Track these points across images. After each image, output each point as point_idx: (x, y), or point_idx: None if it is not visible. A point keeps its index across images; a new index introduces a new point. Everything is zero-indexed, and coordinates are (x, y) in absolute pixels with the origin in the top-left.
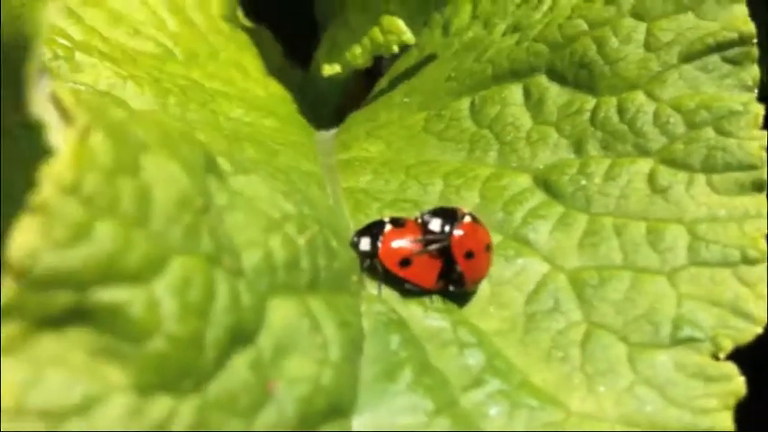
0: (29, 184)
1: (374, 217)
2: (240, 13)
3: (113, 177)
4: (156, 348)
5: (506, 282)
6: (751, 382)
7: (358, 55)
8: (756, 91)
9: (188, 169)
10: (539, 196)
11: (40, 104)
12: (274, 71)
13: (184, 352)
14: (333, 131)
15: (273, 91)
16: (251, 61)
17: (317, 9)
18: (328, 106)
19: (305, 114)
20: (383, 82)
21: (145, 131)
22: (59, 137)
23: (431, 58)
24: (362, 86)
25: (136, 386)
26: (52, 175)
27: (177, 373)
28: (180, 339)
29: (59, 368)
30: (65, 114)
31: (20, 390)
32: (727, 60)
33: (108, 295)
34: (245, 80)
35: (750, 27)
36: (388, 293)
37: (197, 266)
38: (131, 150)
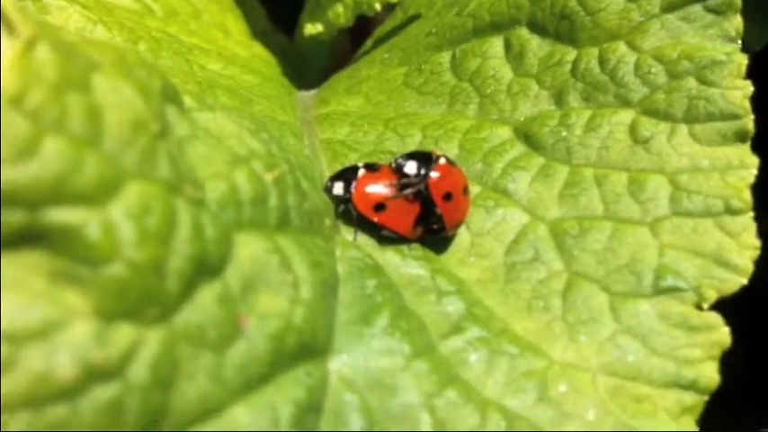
0: None
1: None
2: None
3: (61, 93)
4: (116, 274)
5: (486, 232)
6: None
7: (340, 13)
8: (739, 42)
9: (143, 93)
10: (519, 148)
11: None
12: (258, 34)
13: (146, 279)
14: (314, 91)
15: (256, 53)
16: (234, 23)
17: None
18: (314, 69)
19: (290, 77)
20: (368, 43)
21: (97, 52)
22: (2, 48)
23: (414, 17)
24: (349, 51)
25: (97, 312)
26: None
27: (140, 300)
28: (140, 265)
29: (17, 291)
30: (8, 26)
31: None
32: (709, 10)
33: (61, 215)
34: (226, 40)
35: None
36: (365, 240)
37: (155, 192)
38: (81, 68)
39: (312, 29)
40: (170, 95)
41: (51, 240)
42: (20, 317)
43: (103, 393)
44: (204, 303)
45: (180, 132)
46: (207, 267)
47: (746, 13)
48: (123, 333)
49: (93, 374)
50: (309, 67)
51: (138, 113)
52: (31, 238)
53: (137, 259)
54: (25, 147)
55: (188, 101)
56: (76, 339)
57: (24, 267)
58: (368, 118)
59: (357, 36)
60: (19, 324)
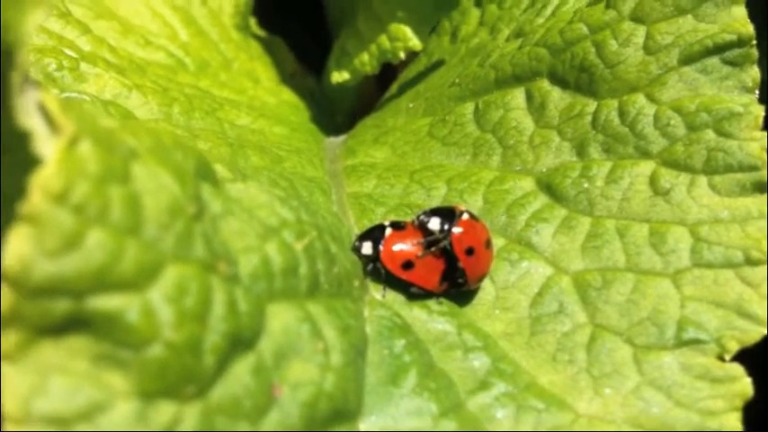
0: (22, 193)
1: (378, 221)
2: (253, 23)
3: (103, 185)
4: (156, 355)
5: (511, 285)
6: (758, 384)
7: (366, 62)
8: (757, 92)
9: (180, 176)
10: (542, 199)
11: (27, 114)
12: (286, 79)
13: (184, 358)
14: (342, 137)
15: (285, 98)
16: (263, 70)
17: (329, 18)
18: (341, 113)
19: (317, 121)
20: (393, 88)
21: (135, 139)
22: (47, 146)
23: (438, 64)
24: (376, 94)
25: (139, 392)
26: (41, 184)
27: (178, 378)
28: (178, 346)
29: (63, 375)
30: (52, 123)
31: (25, 397)
32: (726, 62)
33: (104, 302)
34: (255, 89)
35: (749, 28)
36: (392, 298)
37: (192, 273)
38: (120, 158)
39: (339, 77)
40: (204, 173)
41: (95, 326)
42: (66, 400)
43: None
44: (239, 376)
45: (214, 210)
46: (241, 341)
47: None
48: (163, 411)
49: None
50: (337, 110)
51: (175, 198)
52: (75, 324)
53: (175, 340)
54: (70, 240)
55: (221, 170)
56: (120, 419)
57: (69, 352)
58: (394, 170)
59: (383, 79)
60: (64, 407)
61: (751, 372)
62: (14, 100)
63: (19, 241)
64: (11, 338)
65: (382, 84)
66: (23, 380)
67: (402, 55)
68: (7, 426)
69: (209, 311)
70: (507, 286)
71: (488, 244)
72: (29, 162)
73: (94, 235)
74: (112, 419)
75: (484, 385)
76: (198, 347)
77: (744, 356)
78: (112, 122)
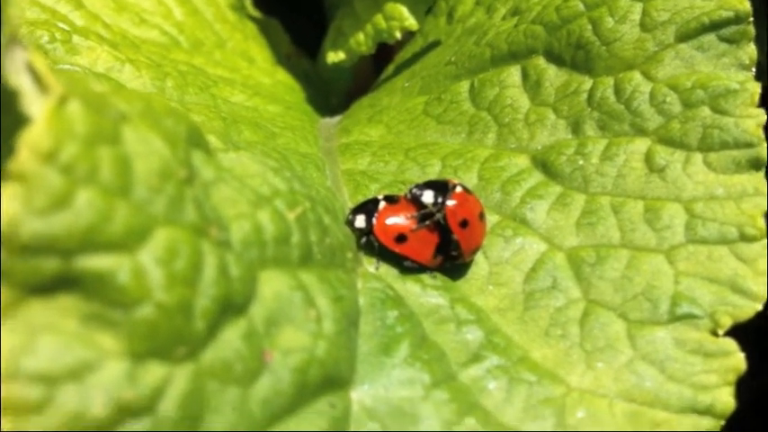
0: (9, 152)
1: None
2: (248, 4)
3: (92, 146)
4: (146, 316)
5: (504, 261)
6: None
7: (362, 42)
8: (753, 69)
9: (170, 141)
10: (536, 176)
11: (15, 73)
12: (282, 60)
13: (174, 320)
14: (337, 118)
15: (280, 79)
16: (258, 50)
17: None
18: (336, 94)
19: (313, 102)
20: (389, 69)
21: (126, 103)
22: (36, 106)
23: (434, 44)
24: (372, 75)
25: (128, 353)
26: (29, 143)
27: (169, 341)
28: (169, 307)
29: (52, 334)
30: (40, 83)
31: (14, 354)
32: (723, 39)
33: (93, 262)
34: (250, 68)
35: (746, 5)
36: (385, 271)
37: (182, 237)
38: (110, 120)
39: (335, 57)
40: (196, 140)
41: (84, 286)
42: (55, 358)
43: (135, 429)
44: (230, 340)
45: (205, 176)
46: (232, 306)
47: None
48: (153, 372)
49: (125, 412)
50: (332, 91)
51: (165, 162)
52: (65, 283)
53: (165, 301)
54: (59, 199)
55: (213, 140)
56: (109, 379)
57: (59, 311)
58: (388, 148)
59: (379, 60)
60: (54, 365)
61: (745, 347)
62: (2, 58)
63: (7, 199)
64: (1, 297)
65: (377, 65)
66: (12, 338)
67: (398, 35)
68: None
69: (199, 275)
70: (501, 262)
71: (482, 216)
72: (17, 125)
73: (84, 194)
74: (101, 378)
75: (476, 358)
76: (188, 310)
77: (737, 332)
78: (103, 86)
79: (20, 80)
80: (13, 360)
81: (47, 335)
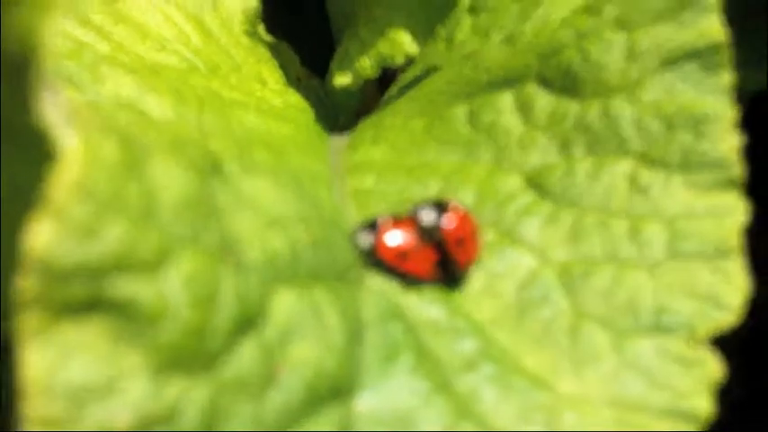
0: (39, 185)
1: (378, 215)
2: (261, 29)
3: (120, 179)
4: (169, 335)
5: (499, 274)
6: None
7: (367, 66)
8: (731, 95)
9: (192, 170)
10: (529, 195)
11: (45, 108)
12: (292, 82)
13: (194, 338)
14: (345, 136)
15: (291, 100)
16: (269, 73)
17: (333, 23)
18: (344, 113)
19: (323, 121)
20: (393, 90)
21: (150, 135)
22: (67, 139)
23: (434, 68)
24: (377, 94)
25: (153, 370)
26: (60, 176)
27: (190, 358)
28: (190, 326)
29: (82, 353)
30: (70, 118)
31: (46, 372)
32: (702, 67)
33: (122, 285)
34: (263, 90)
35: (722, 35)
36: (387, 286)
37: (202, 260)
38: (137, 153)
39: (341, 80)
40: (215, 167)
41: (113, 307)
42: (84, 376)
43: None
44: (245, 356)
45: (222, 201)
46: (248, 323)
47: (744, 58)
48: (175, 387)
49: (148, 423)
50: (341, 111)
51: (187, 191)
52: (95, 306)
53: (187, 321)
54: (89, 229)
55: (228, 165)
56: (134, 395)
57: (89, 332)
58: (392, 167)
59: (384, 81)
60: (83, 382)
61: (729, 358)
62: (33, 94)
63: (41, 228)
64: (34, 318)
65: (383, 85)
66: (44, 357)
67: (401, 60)
68: (27, 399)
69: (218, 296)
70: (495, 275)
71: (477, 234)
72: (44, 158)
73: (112, 224)
74: (127, 395)
75: (472, 366)
76: (207, 329)
77: (722, 344)
78: (128, 119)
79: (49, 115)
80: (44, 377)
81: (77, 354)
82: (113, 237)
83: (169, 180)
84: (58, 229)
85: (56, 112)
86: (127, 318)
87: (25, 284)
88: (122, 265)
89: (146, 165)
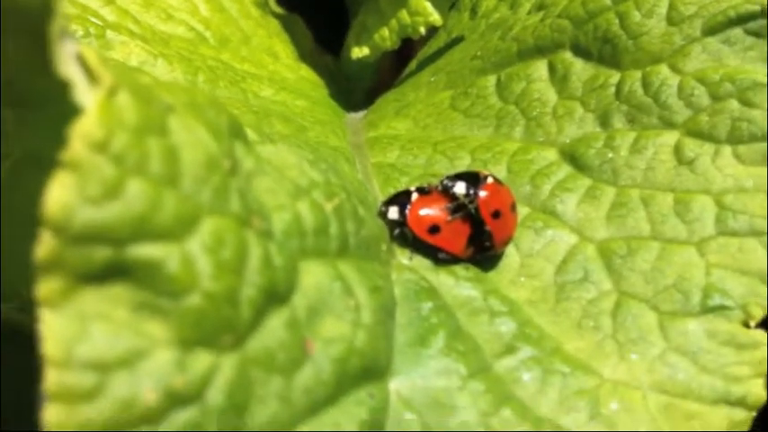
0: (60, 144)
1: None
2: (271, 0)
3: (141, 137)
4: (194, 304)
5: (536, 253)
6: None
7: (386, 37)
8: None
9: (214, 132)
10: (565, 169)
11: (66, 64)
12: (305, 56)
13: (221, 309)
14: (362, 113)
15: (304, 75)
16: (282, 47)
17: None
18: (359, 90)
19: (336, 98)
20: (412, 65)
21: (171, 95)
22: (87, 96)
23: (458, 39)
24: (394, 71)
25: (177, 341)
26: (82, 133)
27: (216, 329)
28: (216, 296)
29: (104, 322)
30: (91, 74)
31: (67, 342)
32: (749, 33)
33: (144, 251)
34: (275, 64)
35: None
36: (418, 263)
37: (228, 226)
38: (158, 111)
39: (359, 52)
40: (236, 131)
41: (135, 274)
42: (107, 346)
43: (183, 417)
44: (273, 329)
45: (247, 167)
46: (276, 295)
47: None
48: (201, 360)
49: (175, 399)
50: (355, 87)
51: (211, 152)
52: (116, 272)
53: (213, 290)
54: (110, 188)
55: (249, 133)
56: (159, 367)
57: (110, 300)
58: (417, 141)
59: (401, 56)
60: (106, 353)
61: None
62: (53, 49)
63: (60, 188)
64: (52, 285)
65: (399, 61)
66: (65, 325)
67: (422, 30)
68: (49, 371)
69: (245, 264)
70: (532, 254)
71: (513, 207)
72: (62, 118)
73: (134, 184)
74: (152, 366)
75: (510, 349)
76: (235, 298)
77: None
78: (148, 78)
79: (70, 71)
80: (65, 348)
81: (99, 323)
82: (135, 197)
83: (191, 139)
84: (77, 189)
85: (76, 67)
86: (149, 285)
87: (43, 247)
88: (145, 227)
89: (167, 122)
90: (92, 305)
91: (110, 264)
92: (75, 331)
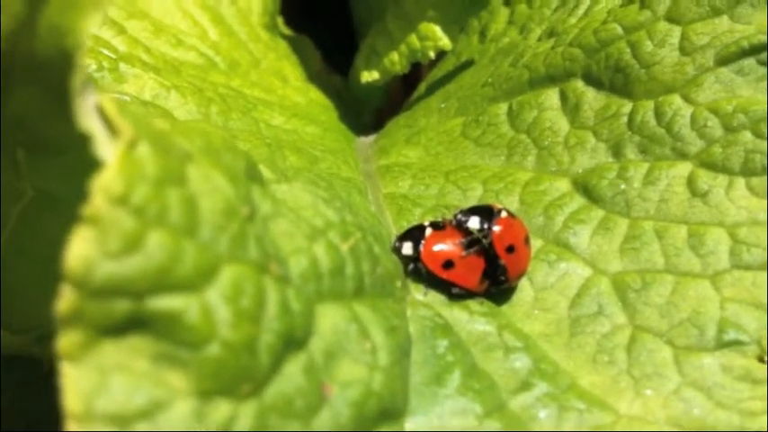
0: (80, 195)
1: (416, 222)
2: (280, 22)
3: (161, 188)
4: (214, 354)
5: (549, 286)
6: None
7: (396, 61)
8: None
9: (232, 178)
10: (578, 200)
11: (87, 117)
12: (314, 78)
13: (240, 357)
14: (372, 137)
15: (313, 98)
16: (291, 69)
17: (355, 18)
18: (368, 112)
19: (345, 120)
20: (422, 88)
21: (188, 141)
22: (107, 148)
23: (468, 63)
24: (402, 92)
25: (197, 391)
26: (102, 187)
27: (235, 377)
28: (235, 345)
29: (124, 374)
30: (111, 126)
31: (87, 395)
32: (762, 63)
33: (164, 303)
34: (284, 87)
35: None
36: (432, 298)
37: (247, 274)
38: (177, 161)
39: (368, 76)
40: (252, 174)
41: (155, 326)
42: (127, 399)
43: None
44: (291, 375)
45: (264, 210)
46: (293, 340)
47: None
48: (221, 409)
49: None
50: (365, 109)
51: (229, 199)
52: (136, 324)
53: (232, 339)
54: (131, 242)
55: (264, 170)
56: (179, 417)
57: (130, 351)
58: (428, 170)
59: (410, 78)
60: (127, 405)
61: None
62: (75, 102)
63: (81, 242)
64: (72, 338)
65: (408, 83)
66: (85, 378)
67: (432, 54)
68: (70, 424)
69: (263, 311)
70: (546, 287)
71: (527, 241)
72: (84, 165)
73: (155, 236)
74: (172, 418)
75: (525, 386)
76: (253, 346)
77: None
78: (166, 124)
79: (91, 123)
80: (86, 401)
81: (119, 375)
82: (156, 249)
83: (210, 187)
84: (98, 242)
85: (96, 120)
86: (169, 336)
87: (64, 301)
88: (165, 279)
89: (185, 171)
90: (111, 357)
91: (130, 316)
92: (96, 384)
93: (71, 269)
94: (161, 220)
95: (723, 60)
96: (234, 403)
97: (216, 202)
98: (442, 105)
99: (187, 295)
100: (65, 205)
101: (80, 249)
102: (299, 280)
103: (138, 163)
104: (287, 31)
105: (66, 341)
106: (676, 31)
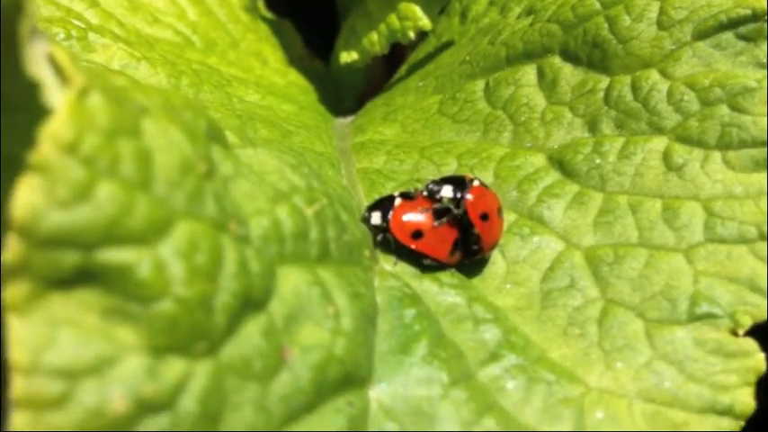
0: (29, 146)
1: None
2: (261, 5)
3: (113, 139)
4: (166, 310)
5: (522, 260)
6: None
7: (375, 42)
8: None
9: (190, 135)
10: (553, 175)
11: (36, 64)
12: (294, 61)
13: (194, 315)
14: (350, 118)
15: (292, 80)
16: (271, 51)
17: (337, 2)
18: (349, 96)
19: (326, 103)
20: (402, 69)
21: (146, 97)
22: (57, 96)
23: (448, 44)
24: (385, 77)
25: (149, 347)
26: (51, 134)
27: (189, 335)
28: (189, 302)
29: (72, 328)
30: (62, 74)
31: (34, 349)
32: (740, 37)
33: (114, 256)
34: (263, 69)
35: (762, 3)
36: (402, 269)
37: (203, 231)
38: (131, 113)
39: (348, 57)
40: (215, 135)
41: (104, 279)
42: (75, 353)
43: (154, 426)
44: (250, 336)
45: (224, 171)
46: (252, 301)
47: None
48: (173, 367)
49: (145, 408)
50: (345, 92)
51: (185, 155)
52: (85, 277)
53: (186, 296)
54: (80, 191)
55: (230, 137)
56: (129, 374)
57: (79, 305)
58: (404, 147)
59: (391, 61)
60: (74, 360)
61: (764, 347)
62: (24, 50)
63: (29, 191)
64: (19, 290)
65: (389, 67)
66: (32, 332)
67: (412, 35)
68: (15, 377)
69: (220, 270)
70: (518, 261)
71: (500, 212)
72: (34, 121)
73: (105, 187)
74: (122, 374)
75: (494, 357)
76: (209, 305)
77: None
78: (124, 80)
79: (41, 71)
80: (32, 354)
81: (67, 329)
82: (105, 201)
83: (165, 142)
84: (46, 192)
85: (47, 67)
86: (119, 290)
87: (10, 252)
88: (115, 232)
89: (140, 124)
90: (60, 311)
91: (79, 268)
92: (43, 337)
93: (17, 218)
94: (112, 172)
95: (701, 35)
96: (188, 361)
97: (171, 157)
98: (421, 84)
99: (138, 249)
100: (20, 166)
101: (27, 198)
102: (259, 241)
103: (88, 111)
104: (268, 13)
105: (12, 293)
106: (654, 6)
